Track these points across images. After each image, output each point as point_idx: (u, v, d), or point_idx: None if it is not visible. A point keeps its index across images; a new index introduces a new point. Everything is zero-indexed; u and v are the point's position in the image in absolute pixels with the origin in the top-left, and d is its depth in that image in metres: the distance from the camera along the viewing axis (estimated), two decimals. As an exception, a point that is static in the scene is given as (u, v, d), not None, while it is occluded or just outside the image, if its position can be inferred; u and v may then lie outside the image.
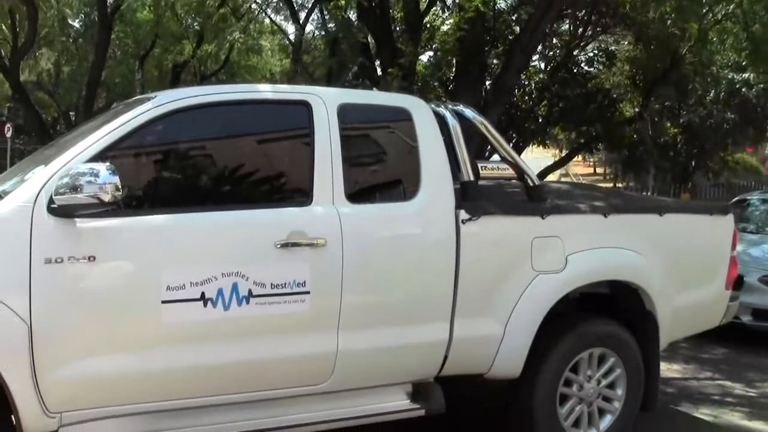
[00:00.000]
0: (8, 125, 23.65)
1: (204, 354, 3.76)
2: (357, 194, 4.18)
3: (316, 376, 4.05)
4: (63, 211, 3.46)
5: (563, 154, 16.46)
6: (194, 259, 3.75)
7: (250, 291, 3.79)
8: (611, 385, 4.83)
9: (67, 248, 3.48)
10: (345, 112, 4.21)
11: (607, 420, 4.82)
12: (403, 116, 4.42)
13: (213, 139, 4.18)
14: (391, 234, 4.25)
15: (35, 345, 3.42)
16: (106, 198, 3.39)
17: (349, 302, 4.02)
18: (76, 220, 3.49)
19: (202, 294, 3.70)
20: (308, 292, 3.92)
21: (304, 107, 4.15)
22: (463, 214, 4.32)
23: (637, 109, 14.48)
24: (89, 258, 3.51)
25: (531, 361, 4.50)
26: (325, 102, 4.17)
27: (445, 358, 4.35)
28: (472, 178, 4.53)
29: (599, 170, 44.03)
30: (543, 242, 4.52)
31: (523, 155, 10.71)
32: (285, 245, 3.87)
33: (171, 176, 4.08)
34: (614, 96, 14.40)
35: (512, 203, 4.83)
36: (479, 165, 4.70)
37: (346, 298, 4.00)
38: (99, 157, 3.61)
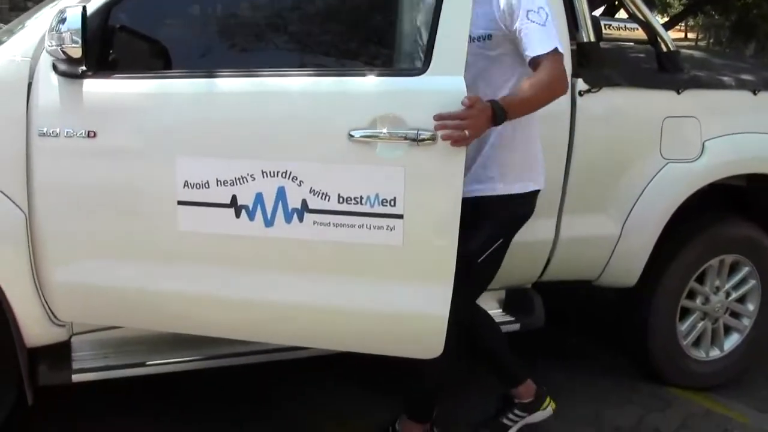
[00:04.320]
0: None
1: (238, 284, 2.81)
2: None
3: (410, 342, 2.93)
4: (62, 69, 2.69)
5: (666, 18, 15.01)
6: (224, 146, 2.69)
7: (304, 202, 2.64)
8: (742, 299, 4.16)
9: (65, 119, 2.70)
10: None
11: (734, 339, 4.17)
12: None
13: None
14: None
15: (34, 238, 2.76)
16: (74, 53, 2.58)
17: None
18: (85, 81, 2.69)
19: (233, 198, 2.66)
20: (401, 216, 2.64)
21: None
22: (581, 84, 3.54)
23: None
24: (88, 133, 2.69)
25: (650, 268, 3.84)
26: None
27: (548, 260, 3.70)
28: (592, 39, 3.69)
29: (691, 35, 41.47)
30: (676, 123, 3.73)
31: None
32: (366, 137, 2.63)
33: (206, 24, 3.21)
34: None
35: (641, 72, 3.95)
36: (602, 23, 3.88)
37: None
38: None
